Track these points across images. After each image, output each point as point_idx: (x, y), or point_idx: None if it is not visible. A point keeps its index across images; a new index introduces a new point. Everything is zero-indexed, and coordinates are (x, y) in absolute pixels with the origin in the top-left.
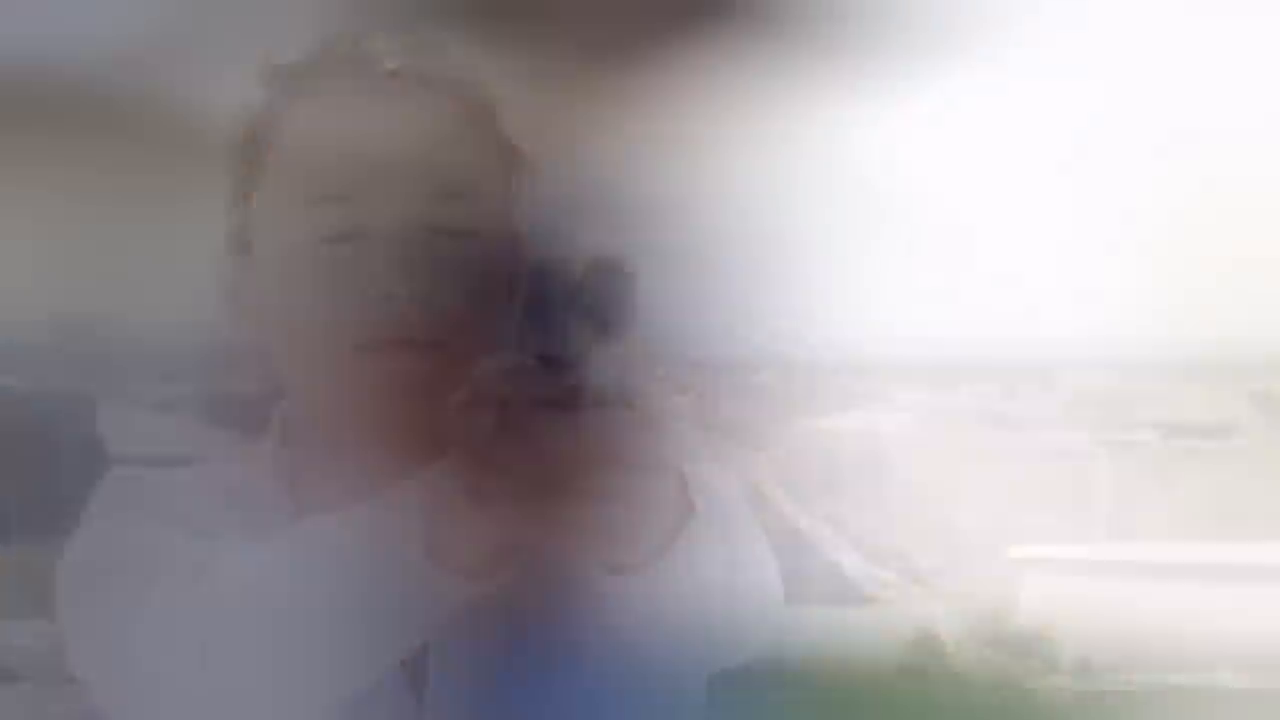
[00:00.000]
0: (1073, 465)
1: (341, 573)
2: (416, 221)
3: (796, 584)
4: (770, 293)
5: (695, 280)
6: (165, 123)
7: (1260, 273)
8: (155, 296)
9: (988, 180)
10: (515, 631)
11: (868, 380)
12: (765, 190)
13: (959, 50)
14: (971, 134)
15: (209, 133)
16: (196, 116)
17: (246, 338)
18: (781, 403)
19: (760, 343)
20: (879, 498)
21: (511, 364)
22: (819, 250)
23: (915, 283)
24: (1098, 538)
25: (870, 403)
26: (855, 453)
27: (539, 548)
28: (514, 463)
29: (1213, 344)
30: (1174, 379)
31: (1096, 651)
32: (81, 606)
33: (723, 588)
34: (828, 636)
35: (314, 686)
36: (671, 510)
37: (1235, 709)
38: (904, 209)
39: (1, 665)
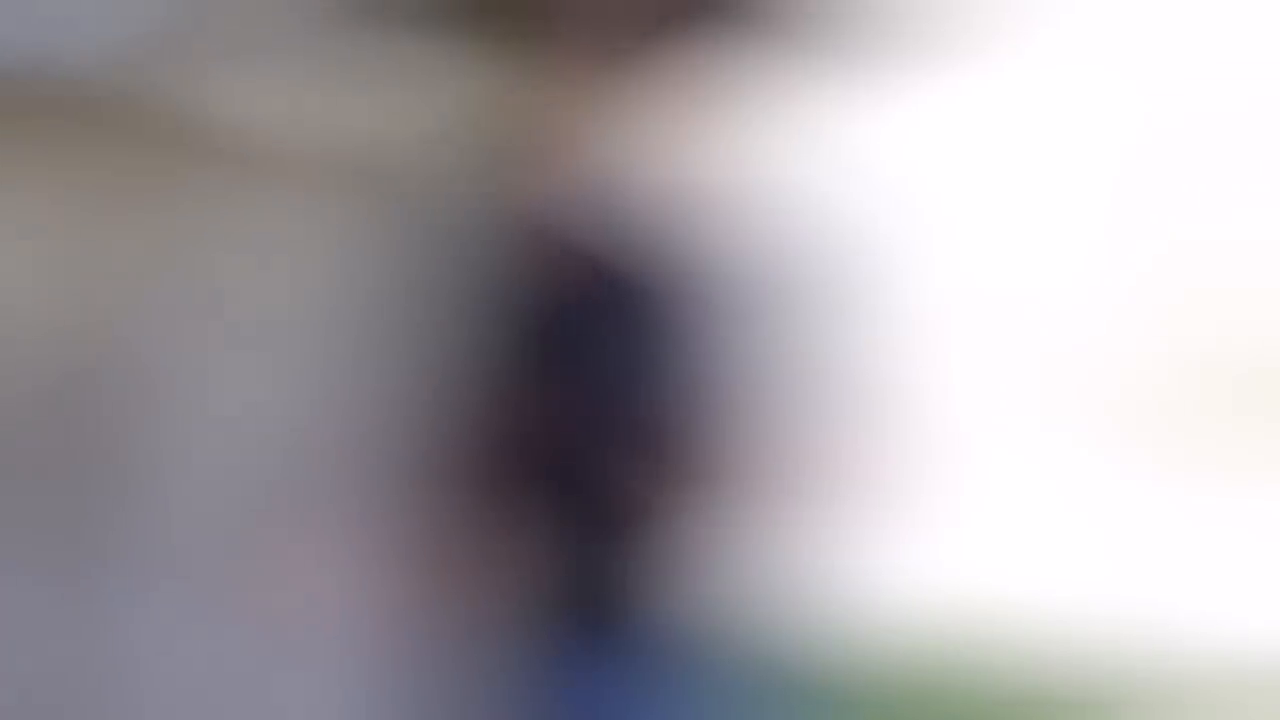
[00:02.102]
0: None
1: None
2: None
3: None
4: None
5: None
6: (165, 123)
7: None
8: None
9: (992, 180)
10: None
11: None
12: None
13: (962, 49)
14: (976, 134)
15: (208, 133)
16: (196, 116)
17: None
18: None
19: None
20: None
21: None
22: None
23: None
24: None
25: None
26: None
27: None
28: None
29: (1214, 344)
30: (1171, 382)
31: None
32: None
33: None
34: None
35: None
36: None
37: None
38: (913, 210)
39: None
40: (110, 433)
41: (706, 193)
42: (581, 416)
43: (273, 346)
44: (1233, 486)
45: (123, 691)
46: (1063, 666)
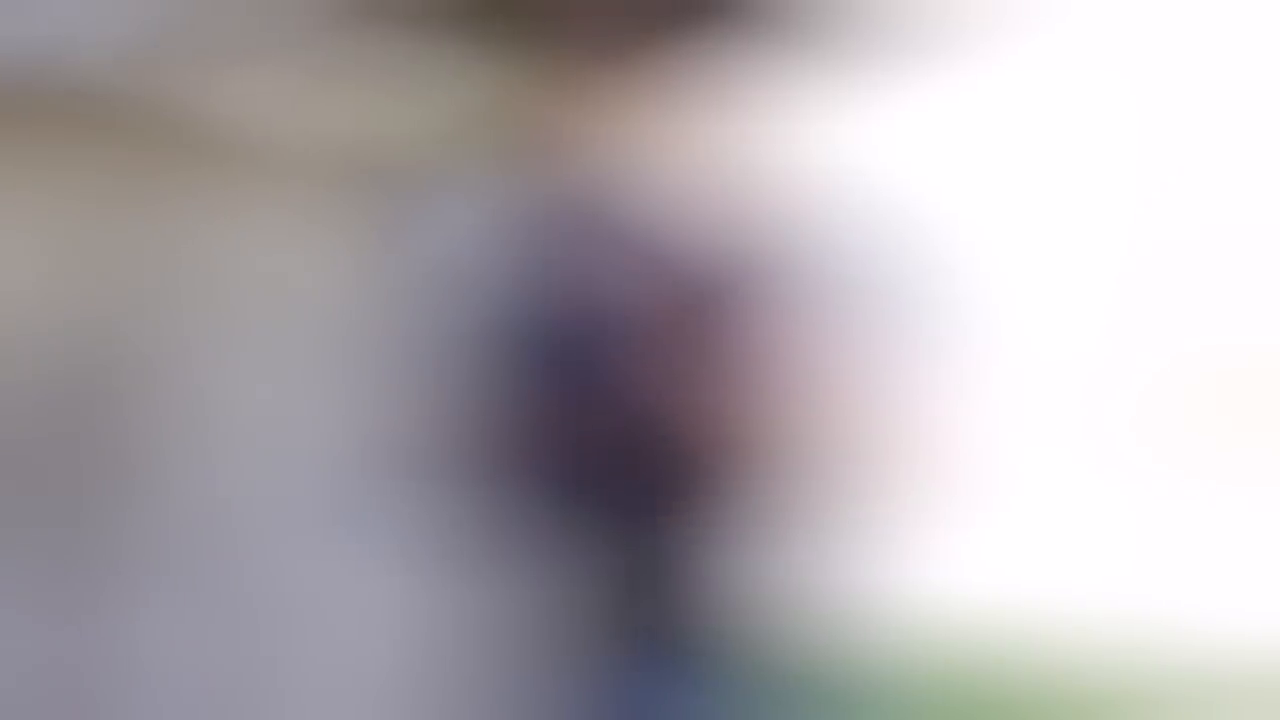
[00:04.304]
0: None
1: None
2: None
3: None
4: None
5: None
6: (167, 122)
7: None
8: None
9: (993, 180)
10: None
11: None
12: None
13: (966, 48)
14: (977, 133)
15: (210, 132)
16: (198, 116)
17: None
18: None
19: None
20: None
21: None
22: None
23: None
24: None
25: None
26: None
27: None
28: None
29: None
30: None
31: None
32: None
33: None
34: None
35: None
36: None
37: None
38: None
39: None
40: (115, 431)
41: (709, 189)
42: (608, 418)
43: (277, 345)
44: (1238, 487)
45: (127, 694)
46: (1070, 666)
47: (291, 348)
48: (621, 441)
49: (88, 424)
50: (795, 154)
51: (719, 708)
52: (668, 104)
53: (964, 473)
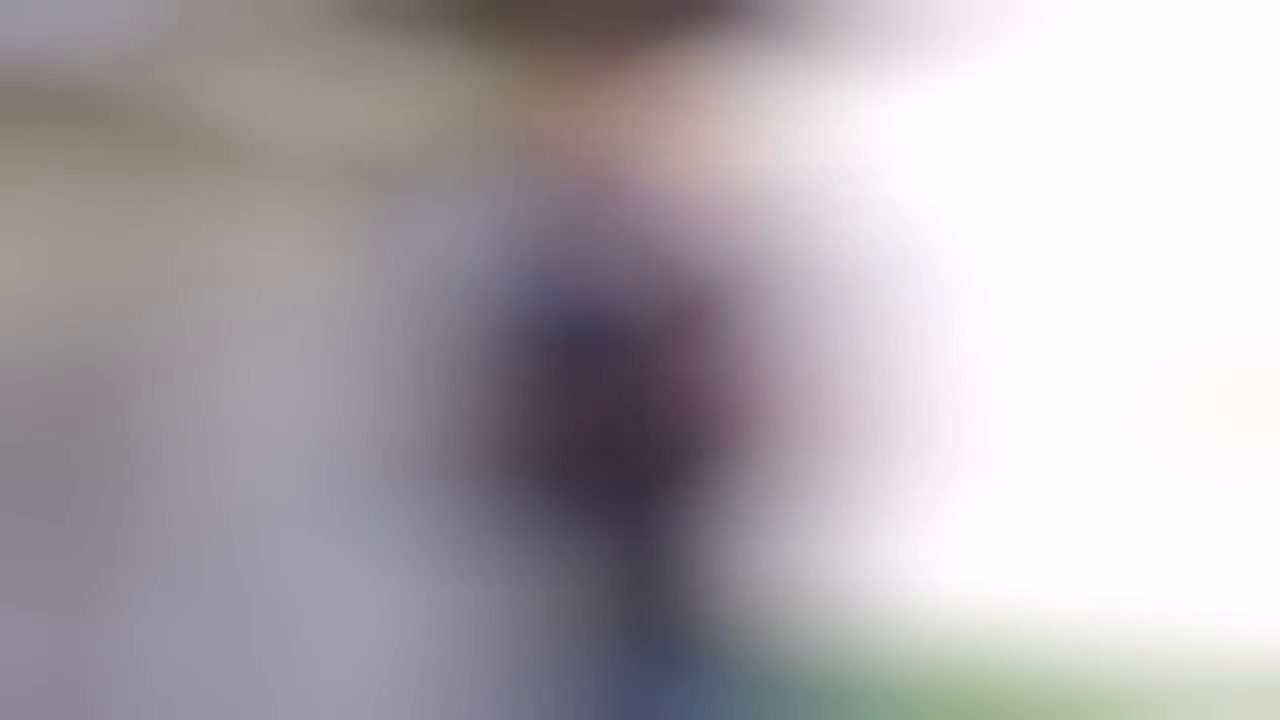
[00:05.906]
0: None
1: None
2: None
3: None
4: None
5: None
6: (167, 122)
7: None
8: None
9: (994, 179)
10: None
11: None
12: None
13: (964, 48)
14: (975, 133)
15: (210, 132)
16: (198, 116)
17: None
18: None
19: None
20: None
21: None
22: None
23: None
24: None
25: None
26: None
27: None
28: None
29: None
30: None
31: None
32: None
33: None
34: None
35: None
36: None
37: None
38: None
39: None
40: (114, 430)
41: (706, 187)
42: (606, 415)
43: (277, 344)
44: (1237, 487)
45: (126, 693)
46: (1068, 666)
47: (290, 347)
48: (619, 439)
49: (87, 423)
50: (793, 152)
51: (718, 705)
52: (664, 102)
53: (963, 470)
